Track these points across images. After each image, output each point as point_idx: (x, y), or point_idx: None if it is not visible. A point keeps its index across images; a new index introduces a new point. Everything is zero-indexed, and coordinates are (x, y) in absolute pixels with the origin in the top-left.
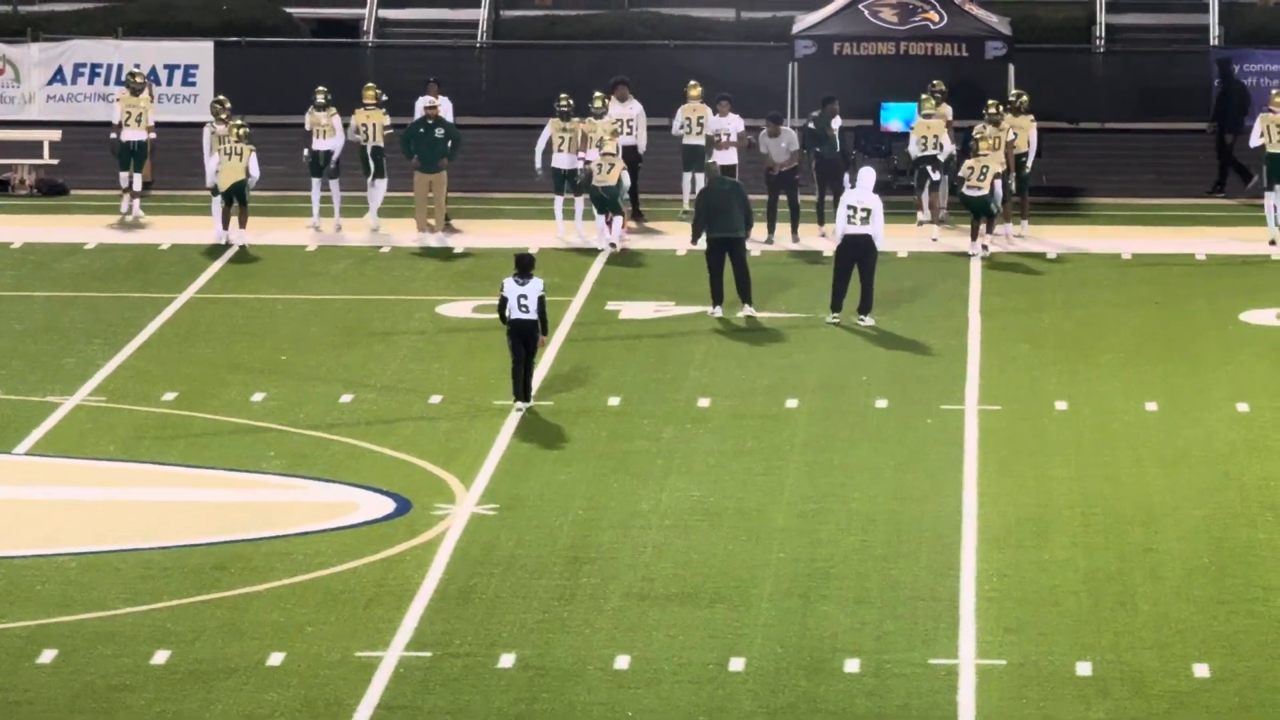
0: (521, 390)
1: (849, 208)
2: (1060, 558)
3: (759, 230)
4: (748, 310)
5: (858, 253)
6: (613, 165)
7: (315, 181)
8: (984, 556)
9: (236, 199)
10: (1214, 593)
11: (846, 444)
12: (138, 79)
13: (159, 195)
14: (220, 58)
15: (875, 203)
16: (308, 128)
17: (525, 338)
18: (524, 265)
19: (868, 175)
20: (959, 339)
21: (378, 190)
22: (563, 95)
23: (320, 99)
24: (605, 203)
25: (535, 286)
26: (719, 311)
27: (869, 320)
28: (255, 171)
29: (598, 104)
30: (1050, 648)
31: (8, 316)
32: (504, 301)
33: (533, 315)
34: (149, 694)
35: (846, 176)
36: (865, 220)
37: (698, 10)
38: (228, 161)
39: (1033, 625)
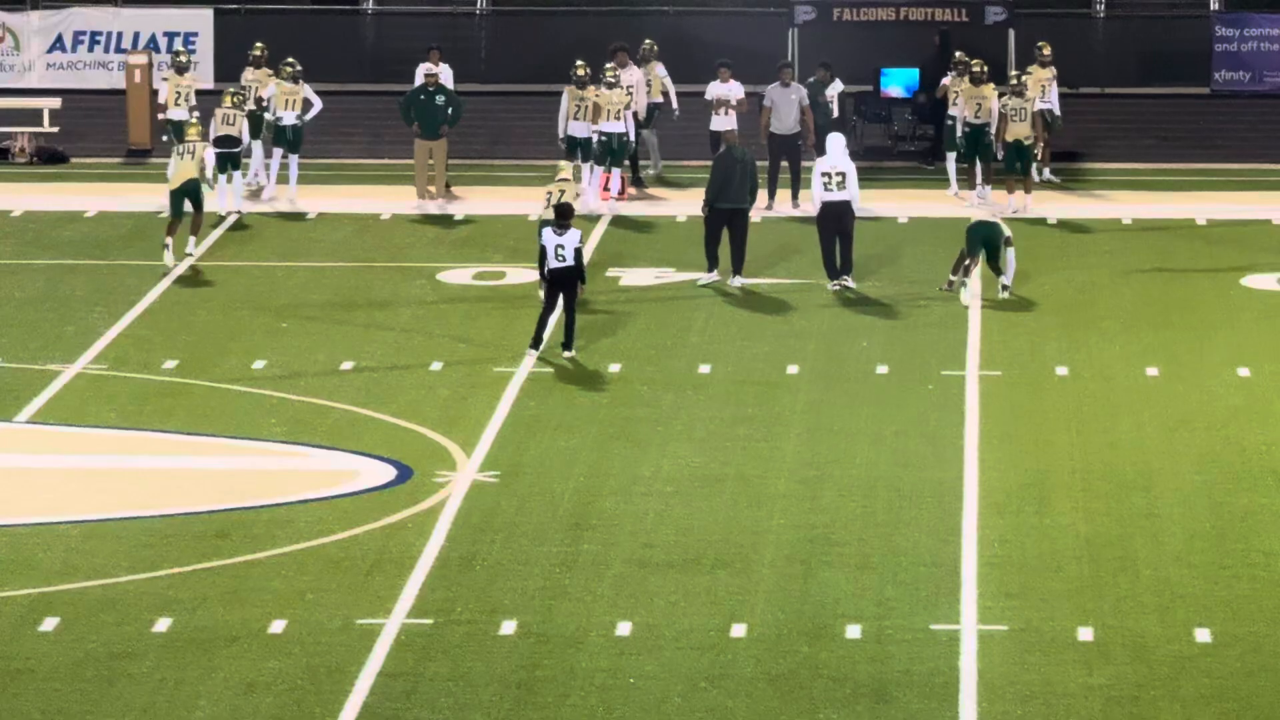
0: (566, 335)
1: (824, 175)
2: (1061, 523)
3: (759, 197)
4: (738, 281)
5: (837, 219)
6: (563, 192)
7: (277, 152)
8: (985, 522)
9: (191, 202)
10: (1215, 557)
11: (847, 410)
12: (183, 57)
13: (159, 163)
14: (220, 25)
15: (849, 167)
16: (265, 95)
17: (564, 286)
18: (563, 214)
19: (837, 141)
20: (959, 304)
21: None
22: (579, 62)
23: (288, 71)
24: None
25: (573, 236)
26: (708, 279)
27: (850, 281)
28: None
29: (609, 75)
30: (1051, 613)
31: (8, 285)
32: (543, 251)
33: (570, 263)
34: (150, 662)
35: (843, 142)
36: (841, 185)
37: None
38: (180, 161)
39: (1034, 590)
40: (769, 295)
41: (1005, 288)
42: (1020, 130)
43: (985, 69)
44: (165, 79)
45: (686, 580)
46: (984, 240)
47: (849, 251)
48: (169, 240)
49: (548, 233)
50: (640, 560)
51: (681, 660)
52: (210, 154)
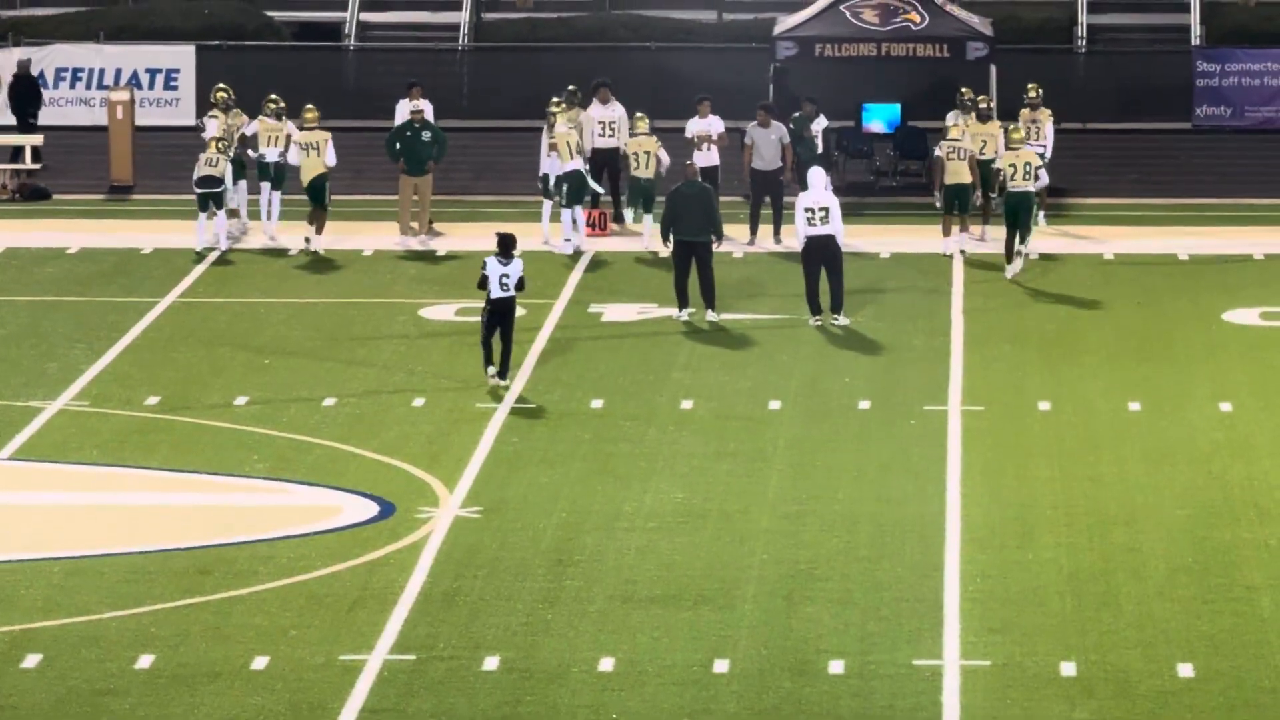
0: (501, 364)
1: (806, 210)
2: (1044, 558)
3: (741, 233)
4: (711, 315)
5: (823, 253)
6: (649, 154)
7: (265, 186)
8: (968, 557)
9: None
10: (1197, 592)
11: (830, 445)
12: (224, 93)
13: (141, 199)
14: (202, 62)
15: (831, 201)
16: (248, 132)
17: (504, 315)
18: (506, 245)
19: (818, 175)
20: (942, 339)
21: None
22: (554, 99)
23: (271, 108)
24: (641, 194)
25: (517, 266)
26: (685, 315)
27: (843, 319)
28: (333, 160)
29: (564, 116)
30: (1034, 648)
31: None
32: (485, 279)
33: (513, 293)
34: (133, 698)
35: (828, 178)
36: (824, 220)
37: (679, 12)
38: (307, 158)
39: (1017, 626)
40: (751, 331)
41: (1025, 254)
42: (959, 171)
43: (991, 105)
44: (213, 118)
45: (669, 616)
46: (1014, 206)
47: (839, 288)
48: (312, 228)
49: (492, 262)
50: (623, 596)
51: (664, 696)
52: (332, 150)
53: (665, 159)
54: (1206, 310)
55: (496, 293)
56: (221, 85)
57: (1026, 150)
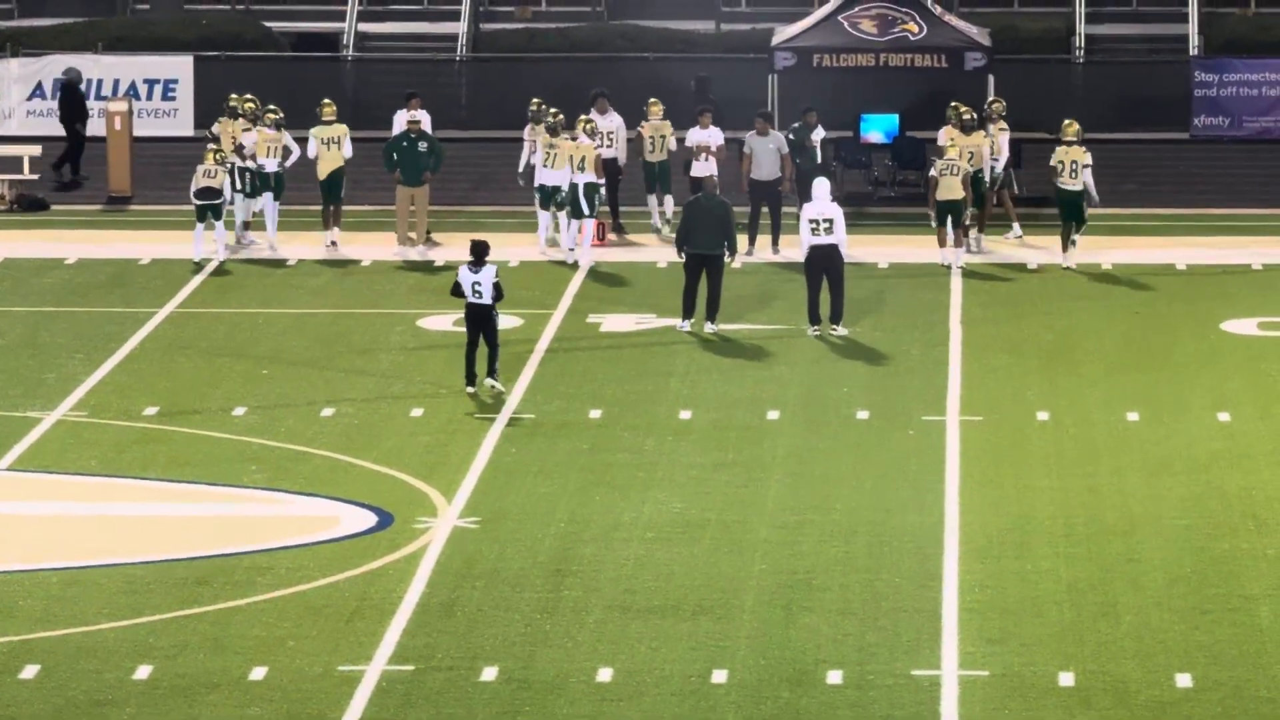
0: (489, 366)
1: (811, 221)
2: (1042, 568)
3: (740, 243)
4: (711, 328)
5: (825, 263)
6: (664, 138)
7: (267, 196)
8: (966, 567)
9: (333, 191)
10: (1196, 602)
11: (828, 455)
12: (250, 104)
13: (139, 210)
14: (200, 72)
15: (836, 212)
16: (247, 145)
17: (481, 322)
18: (478, 253)
19: (823, 186)
20: (940, 350)
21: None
22: (552, 109)
23: (271, 118)
24: (653, 176)
25: (489, 273)
26: (687, 326)
27: (842, 330)
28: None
29: (582, 126)
30: (1032, 658)
31: None
32: (457, 286)
33: (488, 300)
34: (131, 709)
35: (829, 187)
36: (829, 230)
37: (677, 23)
38: (327, 151)
39: (1015, 636)
40: (750, 341)
41: (1069, 269)
42: (951, 187)
43: (975, 116)
44: (247, 129)
45: (667, 626)
46: (1064, 203)
47: (840, 298)
48: (333, 229)
49: (464, 270)
50: (621, 606)
51: (663, 706)
52: (349, 143)
53: (674, 145)
54: (1205, 320)
55: (471, 299)
56: (249, 96)
57: (1077, 148)
